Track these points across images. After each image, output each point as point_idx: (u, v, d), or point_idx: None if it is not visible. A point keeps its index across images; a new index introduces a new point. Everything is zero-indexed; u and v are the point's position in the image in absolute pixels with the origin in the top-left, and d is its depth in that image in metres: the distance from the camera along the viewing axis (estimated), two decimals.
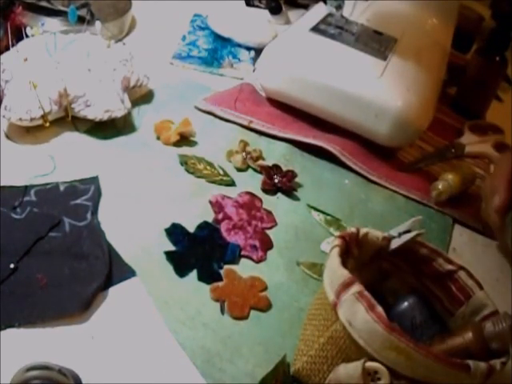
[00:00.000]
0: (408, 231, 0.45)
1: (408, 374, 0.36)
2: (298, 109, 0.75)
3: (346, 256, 0.42)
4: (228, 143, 0.67)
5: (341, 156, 0.69)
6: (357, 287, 0.38)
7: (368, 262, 0.46)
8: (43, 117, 0.59)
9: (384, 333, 0.36)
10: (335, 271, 0.40)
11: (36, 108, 0.58)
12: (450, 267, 0.45)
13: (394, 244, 0.45)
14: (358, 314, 0.37)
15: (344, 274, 0.39)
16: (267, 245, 0.56)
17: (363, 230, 0.44)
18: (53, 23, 0.75)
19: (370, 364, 0.37)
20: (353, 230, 0.44)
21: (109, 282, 0.47)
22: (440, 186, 0.67)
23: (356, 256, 0.45)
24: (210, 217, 0.57)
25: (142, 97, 0.71)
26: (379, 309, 0.37)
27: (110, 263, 0.48)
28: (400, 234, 0.45)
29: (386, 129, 0.69)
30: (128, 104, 0.65)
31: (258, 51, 0.81)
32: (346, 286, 0.39)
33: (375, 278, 0.47)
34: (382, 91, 0.69)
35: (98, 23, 0.67)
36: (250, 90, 0.79)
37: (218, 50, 0.86)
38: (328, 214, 0.62)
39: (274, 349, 0.46)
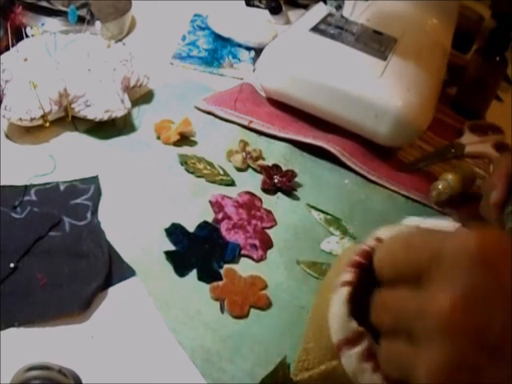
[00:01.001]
0: None
1: None
2: (298, 109, 0.75)
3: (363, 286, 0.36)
4: (228, 143, 0.67)
5: (341, 156, 0.69)
6: (364, 345, 0.34)
7: None
8: (43, 117, 0.59)
9: None
10: (342, 322, 0.35)
11: (36, 108, 0.58)
12: None
13: None
14: (365, 374, 0.34)
15: (352, 327, 0.34)
16: (267, 244, 0.56)
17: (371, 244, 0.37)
18: (53, 23, 0.75)
19: None
20: (365, 248, 0.36)
21: (109, 281, 0.47)
22: (440, 186, 0.67)
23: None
24: (209, 216, 0.57)
25: (142, 97, 0.71)
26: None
27: (109, 263, 0.48)
28: None
29: (386, 129, 0.69)
30: (128, 104, 0.65)
31: (258, 51, 0.81)
32: (351, 342, 0.34)
33: None
34: (382, 91, 0.69)
35: (98, 23, 0.67)
36: (250, 90, 0.79)
37: (218, 49, 0.86)
38: (328, 214, 0.62)
39: (273, 348, 0.46)
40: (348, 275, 0.35)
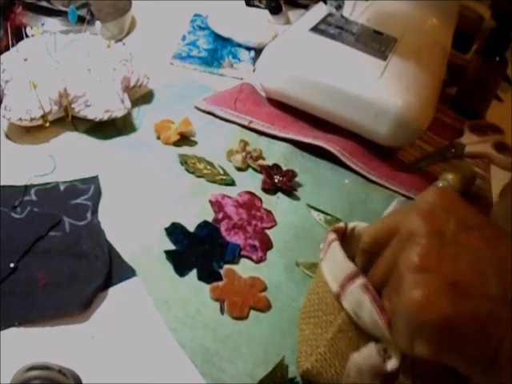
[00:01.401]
0: None
1: None
2: (298, 109, 0.75)
3: None
4: (228, 143, 0.67)
5: (341, 156, 0.69)
6: (362, 279, 0.38)
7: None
8: (43, 117, 0.59)
9: (385, 329, 0.36)
10: (340, 264, 0.40)
11: (36, 108, 0.58)
12: None
13: None
14: (364, 305, 0.37)
15: (350, 266, 0.39)
16: (267, 245, 0.56)
17: (350, 225, 0.45)
18: (53, 23, 0.75)
19: (379, 345, 0.37)
20: (341, 225, 0.45)
21: (109, 281, 0.47)
22: (440, 186, 0.67)
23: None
24: (210, 216, 0.57)
25: (142, 97, 0.71)
26: (381, 303, 0.37)
27: (109, 262, 0.48)
28: None
29: (385, 129, 0.69)
30: (128, 104, 0.65)
31: (258, 51, 0.81)
32: (351, 277, 0.38)
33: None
34: (381, 91, 0.69)
35: (97, 23, 0.67)
36: (250, 90, 0.79)
37: (218, 49, 0.86)
38: (328, 214, 0.62)
39: (273, 349, 0.46)
40: (332, 236, 0.42)
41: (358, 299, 0.37)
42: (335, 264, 0.40)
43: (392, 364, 0.37)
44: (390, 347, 0.37)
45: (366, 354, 0.38)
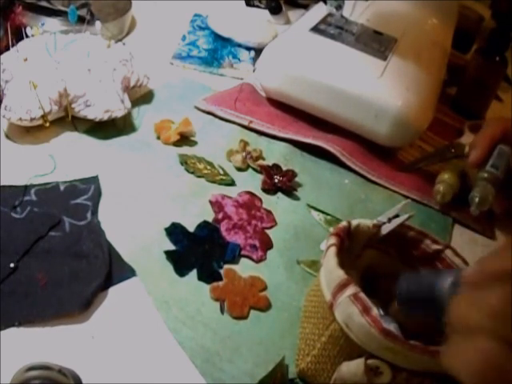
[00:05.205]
0: (396, 216, 0.46)
1: (407, 367, 0.37)
2: (297, 109, 0.75)
3: (340, 252, 0.43)
4: (228, 143, 0.67)
5: (341, 156, 0.69)
6: (352, 289, 0.38)
7: (360, 251, 0.47)
8: (43, 117, 0.59)
9: (379, 336, 0.36)
10: (331, 272, 0.40)
11: (36, 108, 0.58)
12: (436, 247, 0.46)
13: (385, 229, 0.46)
14: (354, 317, 0.37)
15: (340, 274, 0.39)
16: (267, 244, 0.56)
17: (354, 222, 0.45)
18: (53, 23, 0.75)
19: (371, 361, 0.37)
20: (344, 224, 0.45)
21: (109, 281, 0.47)
22: (441, 189, 0.67)
23: (348, 248, 0.45)
24: (209, 216, 0.57)
25: (142, 97, 0.71)
26: (374, 312, 0.37)
27: (109, 263, 0.48)
28: (390, 220, 0.46)
29: (385, 129, 0.69)
30: (128, 104, 0.65)
31: (258, 51, 0.81)
32: (341, 287, 0.39)
33: (369, 265, 0.47)
34: (381, 91, 0.69)
35: (98, 23, 0.67)
36: (250, 90, 0.79)
37: (218, 49, 0.86)
38: (328, 214, 0.62)
39: (273, 348, 0.46)
40: (333, 240, 0.43)
41: (348, 311, 0.38)
42: (329, 272, 0.41)
43: (382, 380, 0.37)
44: (381, 363, 0.37)
45: (353, 371, 0.38)
